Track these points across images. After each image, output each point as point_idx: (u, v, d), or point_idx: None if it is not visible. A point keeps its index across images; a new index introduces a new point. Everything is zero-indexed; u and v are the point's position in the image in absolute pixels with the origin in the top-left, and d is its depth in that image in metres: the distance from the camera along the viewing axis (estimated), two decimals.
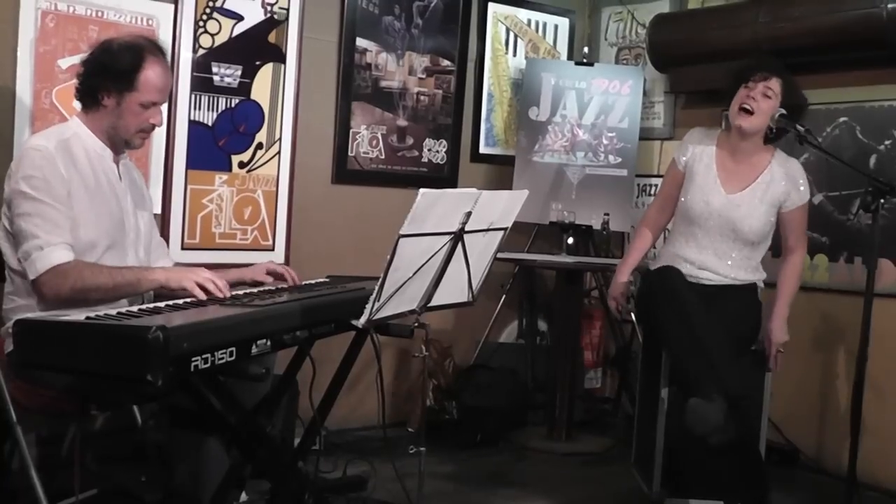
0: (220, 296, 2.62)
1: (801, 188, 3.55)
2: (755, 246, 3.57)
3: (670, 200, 3.72)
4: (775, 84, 3.42)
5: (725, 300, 3.48)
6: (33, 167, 2.62)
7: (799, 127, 3.33)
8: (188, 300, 2.58)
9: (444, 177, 4.97)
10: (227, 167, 4.24)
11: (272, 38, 4.31)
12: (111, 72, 2.73)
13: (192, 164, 4.13)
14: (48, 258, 2.58)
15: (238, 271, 3.06)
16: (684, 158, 3.65)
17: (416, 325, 2.76)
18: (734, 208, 3.52)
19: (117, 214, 2.81)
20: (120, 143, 2.85)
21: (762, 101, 3.41)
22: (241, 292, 2.82)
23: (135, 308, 2.44)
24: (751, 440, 3.45)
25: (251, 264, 3.15)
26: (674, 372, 3.41)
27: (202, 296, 2.60)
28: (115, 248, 2.77)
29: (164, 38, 3.90)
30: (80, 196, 2.68)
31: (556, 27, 5.45)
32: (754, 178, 3.55)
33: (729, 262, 3.55)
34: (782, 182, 3.53)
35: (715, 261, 3.55)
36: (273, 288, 2.95)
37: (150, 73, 2.76)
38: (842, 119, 4.36)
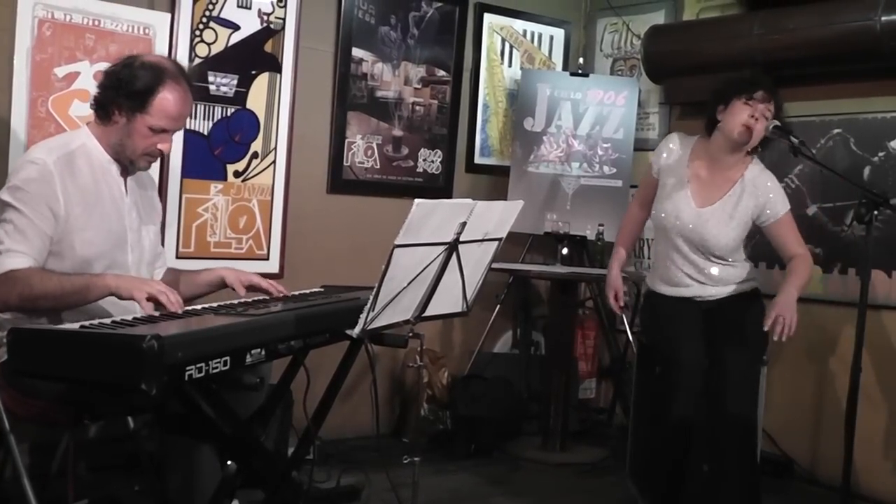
0: (173, 309, 2.52)
1: (774, 199, 3.50)
2: (727, 257, 3.57)
3: (647, 204, 3.74)
4: (772, 107, 3.42)
5: (725, 316, 3.50)
6: (25, 180, 2.58)
7: (793, 139, 3.34)
8: (186, 309, 2.57)
9: (439, 187, 4.97)
10: (223, 176, 4.24)
11: (268, 47, 4.32)
12: (126, 89, 2.67)
13: (187, 172, 4.13)
14: (2, 264, 2.52)
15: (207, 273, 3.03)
16: (657, 166, 3.66)
17: (410, 335, 2.76)
18: (703, 223, 3.50)
19: (118, 232, 2.77)
20: (125, 162, 2.79)
21: (763, 120, 3.39)
22: (234, 301, 2.81)
23: (129, 317, 2.43)
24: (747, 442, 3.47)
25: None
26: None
27: (150, 309, 2.51)
28: (115, 267, 2.73)
29: (161, 47, 3.92)
30: (77, 213, 2.64)
31: (551, 38, 5.46)
32: (725, 190, 3.53)
33: (712, 274, 3.55)
34: (752, 197, 3.50)
35: (698, 275, 3.55)
36: (267, 297, 2.94)
37: (166, 98, 2.69)
38: (836, 131, 4.37)
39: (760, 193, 3.51)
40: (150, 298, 2.52)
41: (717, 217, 3.50)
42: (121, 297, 2.56)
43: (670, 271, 3.60)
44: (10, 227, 2.56)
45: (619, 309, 3.81)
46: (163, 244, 3.94)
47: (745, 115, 3.40)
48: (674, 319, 3.52)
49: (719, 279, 3.55)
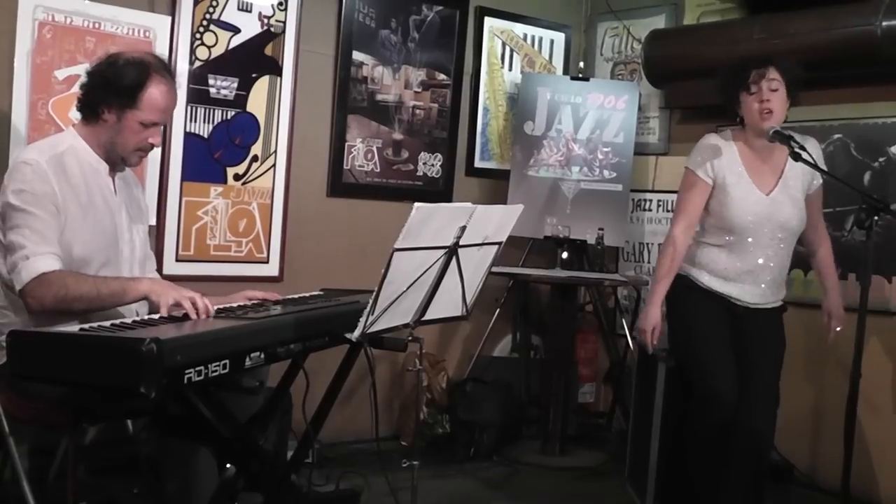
0: (193, 316, 2.49)
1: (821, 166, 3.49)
2: (793, 243, 3.53)
3: (697, 217, 3.50)
4: (773, 72, 3.35)
5: (760, 325, 3.48)
6: (24, 181, 2.58)
7: (793, 143, 3.33)
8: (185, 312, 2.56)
9: (439, 190, 4.97)
10: (223, 179, 4.24)
11: (269, 50, 4.32)
12: (114, 87, 2.68)
13: (187, 175, 4.13)
14: (33, 267, 2.52)
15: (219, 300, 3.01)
16: (710, 171, 3.45)
17: (409, 338, 2.76)
18: (777, 207, 3.43)
19: (111, 230, 2.78)
20: (117, 160, 2.80)
21: (773, 95, 3.34)
22: (234, 305, 2.81)
23: (129, 320, 2.43)
24: (763, 456, 3.49)
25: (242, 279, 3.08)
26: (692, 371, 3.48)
27: (191, 313, 2.50)
28: (110, 265, 2.74)
29: (161, 50, 3.92)
30: (73, 212, 2.65)
31: (551, 42, 5.47)
32: (780, 170, 3.47)
33: (769, 277, 3.47)
34: (803, 171, 3.46)
35: (757, 275, 3.46)
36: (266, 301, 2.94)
37: (154, 92, 2.71)
38: (836, 136, 4.37)
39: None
40: (182, 305, 2.51)
41: (786, 197, 3.45)
42: (153, 302, 2.58)
43: (726, 262, 3.47)
44: (27, 230, 2.56)
45: (652, 346, 3.50)
46: (162, 250, 3.99)
47: (757, 105, 3.36)
48: (707, 338, 3.46)
49: (777, 280, 3.50)
